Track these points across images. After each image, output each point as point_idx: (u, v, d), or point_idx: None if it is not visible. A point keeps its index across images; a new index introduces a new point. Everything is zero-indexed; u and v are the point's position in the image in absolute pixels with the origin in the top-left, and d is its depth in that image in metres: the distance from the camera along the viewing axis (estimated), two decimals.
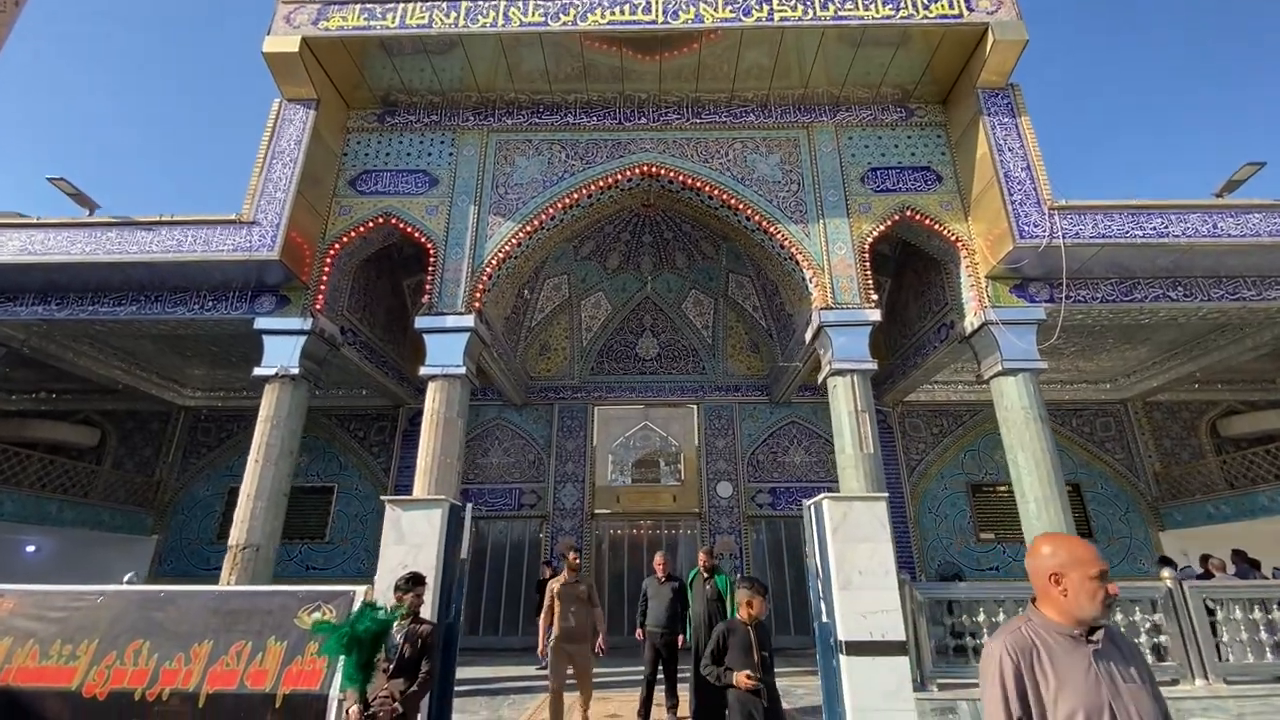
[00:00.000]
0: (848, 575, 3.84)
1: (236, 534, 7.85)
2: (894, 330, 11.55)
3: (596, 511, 12.13)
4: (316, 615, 4.02)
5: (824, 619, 3.90)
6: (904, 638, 3.71)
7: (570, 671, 5.56)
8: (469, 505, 4.61)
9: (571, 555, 5.80)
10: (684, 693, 6.36)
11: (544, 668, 9.19)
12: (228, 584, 7.58)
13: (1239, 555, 8.48)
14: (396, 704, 3.37)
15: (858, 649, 3.68)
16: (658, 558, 6.56)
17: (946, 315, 9.74)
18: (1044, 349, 8.51)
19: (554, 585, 5.70)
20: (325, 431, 13.02)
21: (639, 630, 6.32)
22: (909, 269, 11.03)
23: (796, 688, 7.85)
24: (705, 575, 6.37)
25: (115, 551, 12.11)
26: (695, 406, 12.89)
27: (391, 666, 3.52)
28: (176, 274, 8.62)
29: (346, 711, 3.37)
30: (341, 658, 3.31)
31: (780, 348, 11.91)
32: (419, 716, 3.66)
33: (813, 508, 4.29)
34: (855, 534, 3.89)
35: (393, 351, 11.60)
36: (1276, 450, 11.01)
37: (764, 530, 12.14)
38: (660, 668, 6.21)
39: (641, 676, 6.24)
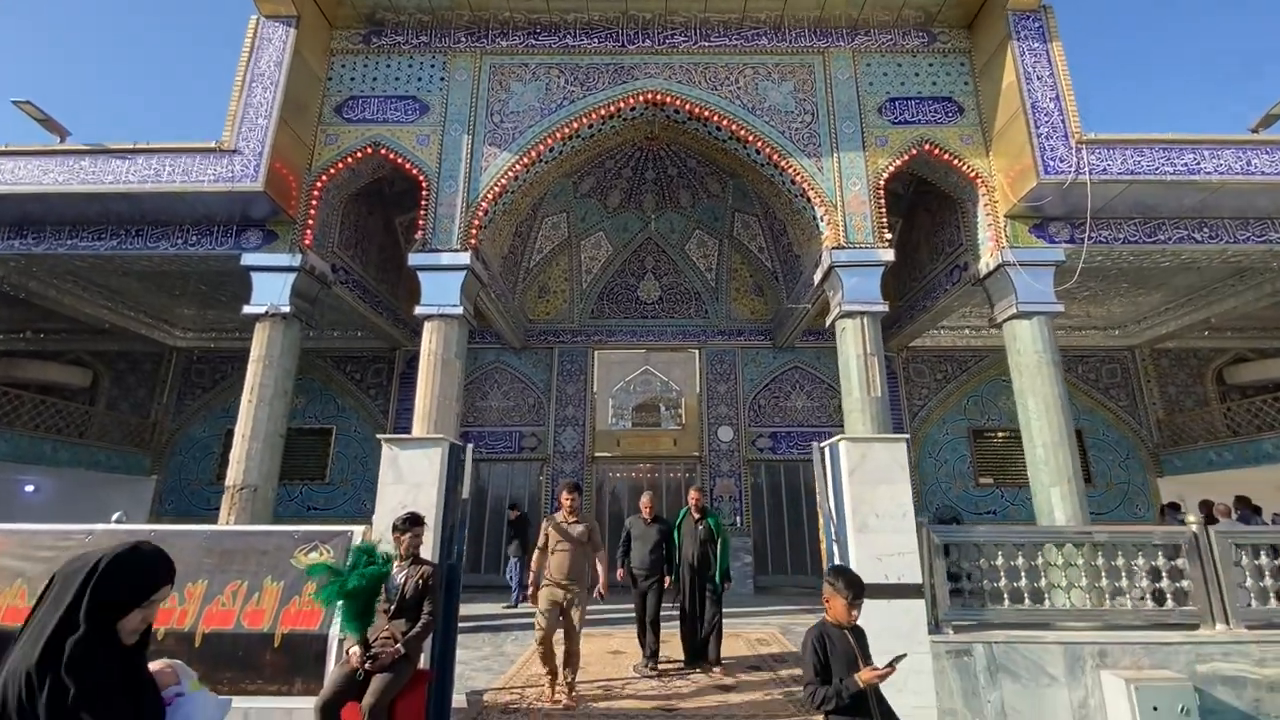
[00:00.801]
0: (864, 518, 3.69)
1: (233, 474, 7.75)
2: (903, 273, 11.22)
3: (597, 455, 12.10)
4: (314, 555, 3.89)
5: (837, 561, 3.78)
6: (921, 580, 3.61)
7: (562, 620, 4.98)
8: (469, 445, 4.42)
9: (564, 495, 5.18)
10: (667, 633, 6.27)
11: (512, 606, 9.21)
12: (226, 524, 7.54)
13: (1242, 501, 8.47)
14: (399, 645, 3.26)
15: (873, 592, 3.55)
16: (644, 499, 6.34)
17: (960, 257, 9.41)
18: (1060, 292, 8.23)
19: (548, 524, 5.20)
20: (321, 374, 12.83)
21: (621, 570, 6.17)
22: (921, 208, 10.61)
23: (795, 625, 7.97)
24: (696, 516, 6.17)
25: (115, 492, 12.10)
26: (697, 351, 12.68)
27: (392, 608, 3.41)
28: (157, 206, 8.21)
29: (347, 652, 3.27)
30: (339, 604, 3.19)
31: (786, 290, 11.60)
32: (421, 656, 3.58)
33: (827, 449, 4.12)
34: (873, 476, 3.72)
35: (387, 292, 11.27)
36: None
37: (763, 474, 12.15)
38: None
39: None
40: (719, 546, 5.96)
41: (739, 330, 12.74)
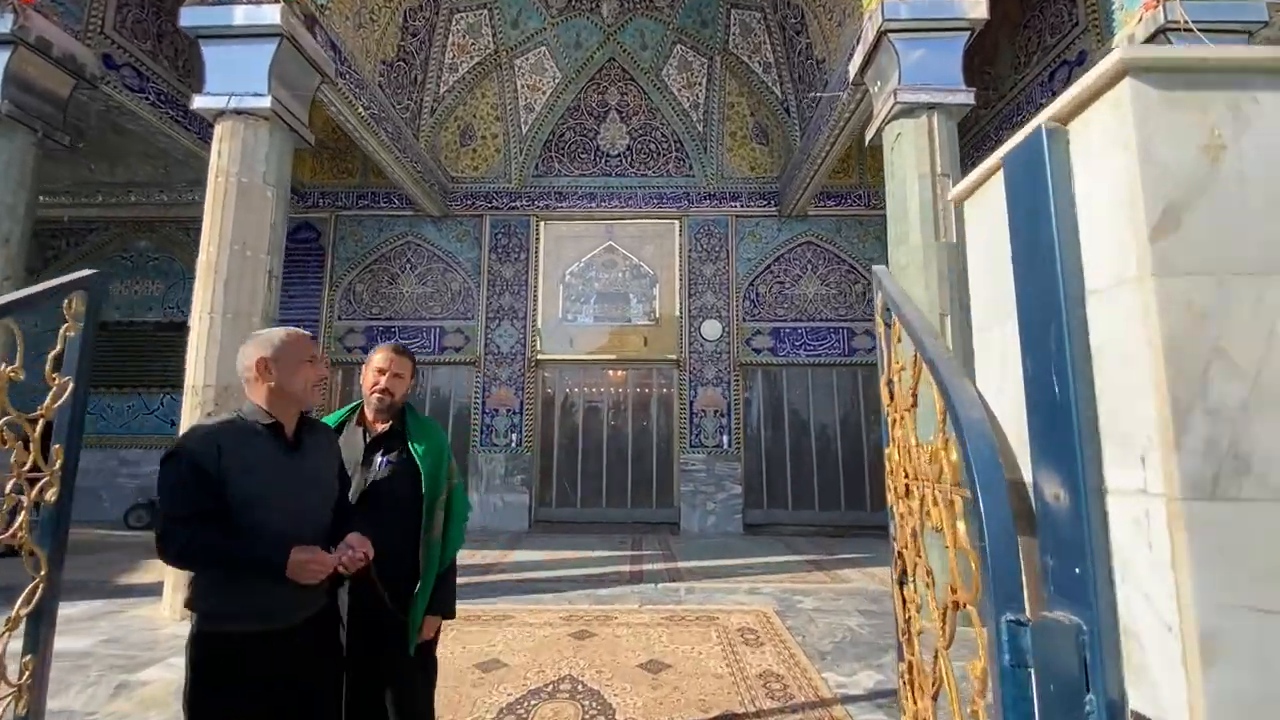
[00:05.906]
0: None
1: None
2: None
3: (542, 358, 9.21)
4: None
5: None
6: None
7: None
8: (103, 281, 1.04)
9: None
10: None
11: None
12: None
13: None
14: None
15: None
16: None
17: (1071, 46, 6.11)
18: None
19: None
20: (182, 250, 9.72)
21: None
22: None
23: (797, 596, 5.30)
24: (380, 428, 2.11)
25: None
26: (677, 221, 9.52)
27: None
28: None
29: None
30: None
31: (800, 126, 8.31)
32: None
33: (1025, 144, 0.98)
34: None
35: None
36: None
37: (759, 383, 9.31)
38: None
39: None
40: (445, 513, 2.10)
41: (734, 193, 9.51)
